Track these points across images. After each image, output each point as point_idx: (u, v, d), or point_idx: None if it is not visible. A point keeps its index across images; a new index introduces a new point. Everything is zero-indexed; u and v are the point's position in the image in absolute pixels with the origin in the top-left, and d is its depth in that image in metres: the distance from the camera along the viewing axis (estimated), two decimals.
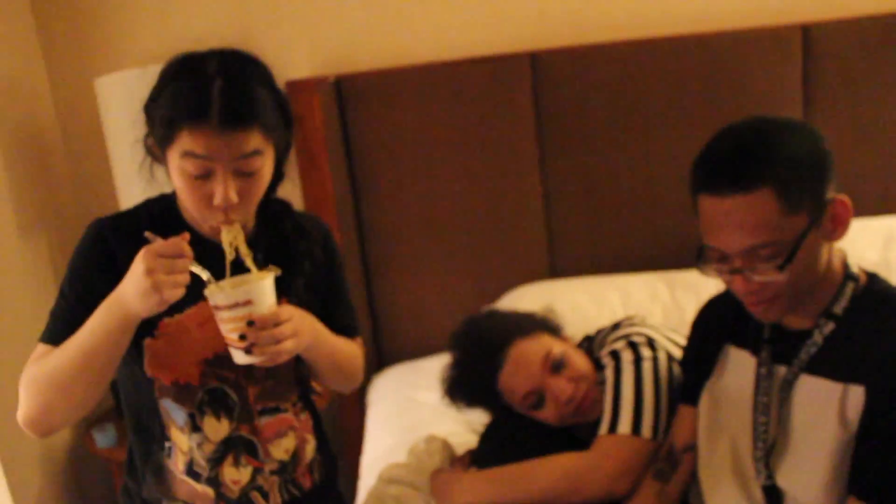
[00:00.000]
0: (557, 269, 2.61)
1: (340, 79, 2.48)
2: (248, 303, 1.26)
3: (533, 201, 2.57)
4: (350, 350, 1.58)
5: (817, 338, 1.33)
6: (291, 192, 2.39)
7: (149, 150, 1.40)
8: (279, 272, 1.33)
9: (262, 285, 1.28)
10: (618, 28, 2.52)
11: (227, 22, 2.51)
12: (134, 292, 1.20)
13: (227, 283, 1.31)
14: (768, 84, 2.47)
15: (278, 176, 1.44)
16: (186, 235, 1.23)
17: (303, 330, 1.36)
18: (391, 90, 2.49)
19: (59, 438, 2.46)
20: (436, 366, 1.88)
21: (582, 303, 2.35)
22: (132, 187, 2.27)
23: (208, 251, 1.37)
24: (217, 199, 1.28)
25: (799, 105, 2.51)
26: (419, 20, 2.55)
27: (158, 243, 1.21)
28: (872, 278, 1.37)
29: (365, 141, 2.51)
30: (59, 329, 1.35)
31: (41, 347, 1.36)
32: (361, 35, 2.55)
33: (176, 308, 1.37)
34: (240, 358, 1.30)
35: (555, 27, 2.53)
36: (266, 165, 1.33)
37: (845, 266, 1.35)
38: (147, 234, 1.24)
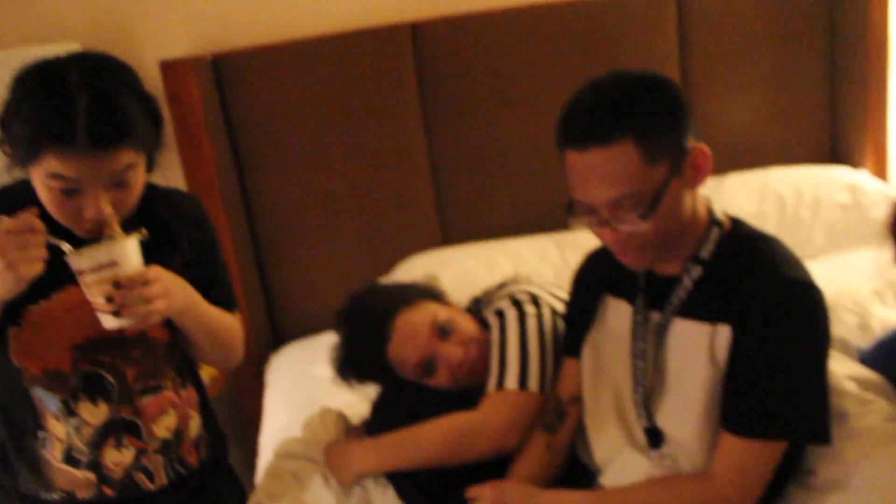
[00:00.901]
0: (449, 236, 2.63)
1: (217, 57, 2.42)
2: (112, 264, 1.23)
3: (421, 171, 2.57)
4: (227, 321, 1.55)
5: (686, 282, 1.38)
6: (173, 174, 2.35)
7: (9, 157, 1.31)
8: (144, 235, 1.28)
9: (125, 245, 1.25)
10: None
11: (99, 1, 2.40)
12: None
13: (89, 247, 1.26)
14: (645, 46, 2.54)
15: (149, 167, 1.37)
16: (35, 210, 1.18)
17: (174, 291, 1.33)
18: (271, 66, 2.45)
19: None
20: (332, 340, 1.87)
21: (474, 268, 2.37)
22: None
23: (77, 240, 1.31)
24: (89, 214, 1.24)
25: (676, 66, 2.59)
26: None
27: (5, 221, 1.16)
28: (736, 223, 1.41)
29: (247, 119, 2.47)
30: None
31: None
32: (239, 11, 2.49)
33: (42, 294, 1.35)
34: (108, 322, 1.26)
35: None
36: (139, 173, 1.29)
37: (710, 212, 1.40)
38: None
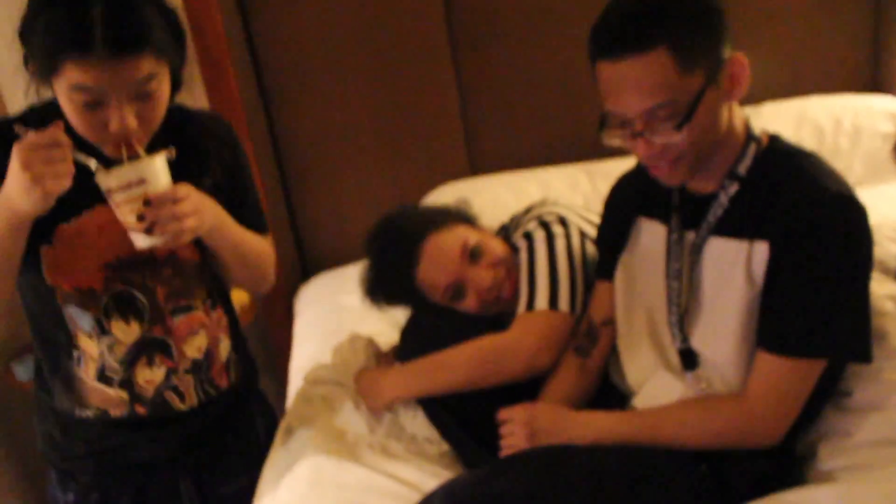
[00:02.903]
0: (477, 166, 2.60)
1: None
2: (141, 181, 1.22)
3: (449, 100, 2.53)
4: (258, 243, 1.55)
5: (723, 199, 1.34)
6: (199, 105, 2.32)
7: (33, 75, 1.29)
8: (172, 154, 1.27)
9: (154, 162, 1.24)
10: None
11: None
12: (17, 191, 1.16)
13: (118, 166, 1.25)
14: None
15: (175, 85, 1.35)
16: (60, 124, 1.16)
17: (204, 210, 1.32)
18: None
19: None
20: (359, 271, 1.87)
21: (503, 197, 2.35)
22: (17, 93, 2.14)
23: (99, 161, 1.30)
24: (113, 126, 1.22)
25: None
26: None
27: (31, 135, 1.14)
28: (774, 139, 1.38)
29: (272, 47, 2.43)
30: None
31: None
32: None
33: (72, 212, 1.35)
34: (140, 241, 1.26)
35: None
36: (163, 86, 1.26)
37: (747, 128, 1.36)
38: (17, 127, 1.17)
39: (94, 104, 1.21)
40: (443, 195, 2.41)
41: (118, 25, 1.17)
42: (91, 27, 1.15)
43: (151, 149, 1.34)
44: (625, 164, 2.25)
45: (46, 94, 1.30)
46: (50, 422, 1.52)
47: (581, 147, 2.49)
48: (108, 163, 1.25)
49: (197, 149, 1.44)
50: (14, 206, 1.18)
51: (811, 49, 2.63)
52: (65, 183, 1.16)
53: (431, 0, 2.43)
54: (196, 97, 2.34)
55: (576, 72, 2.45)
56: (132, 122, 1.22)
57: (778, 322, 1.27)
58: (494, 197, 2.33)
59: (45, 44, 1.18)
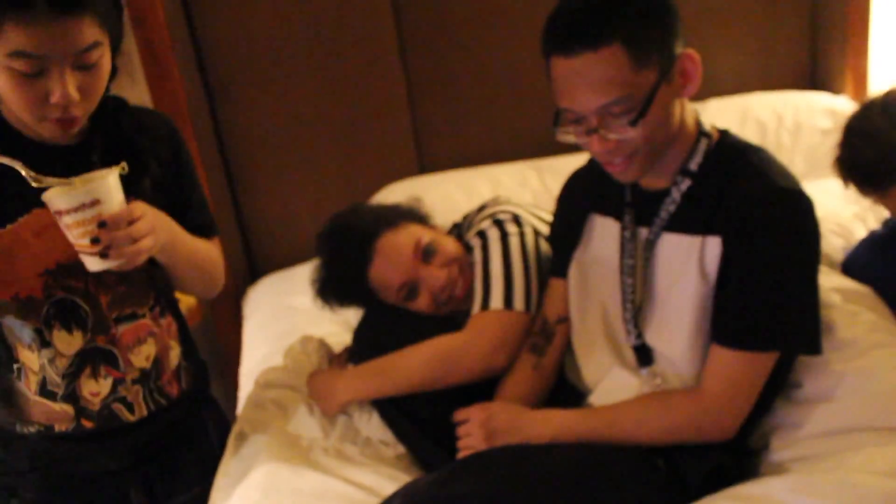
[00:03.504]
0: (426, 164, 2.59)
1: None
2: (95, 202, 1.16)
3: (397, 97, 2.52)
4: (208, 250, 1.51)
5: (675, 195, 1.36)
6: (140, 101, 2.27)
7: None
8: (124, 169, 1.22)
9: (108, 182, 1.18)
10: None
11: None
12: None
13: (64, 185, 1.19)
14: None
15: (113, 70, 1.31)
16: None
17: (159, 227, 1.29)
18: None
19: None
20: (309, 272, 1.84)
21: (452, 194, 2.35)
22: None
23: (39, 154, 1.28)
24: (55, 97, 1.16)
25: None
26: None
27: None
28: (724, 134, 1.39)
29: (217, 41, 2.38)
30: None
31: None
32: None
33: (7, 218, 1.29)
34: (94, 265, 1.20)
35: None
36: (105, 57, 1.22)
37: (698, 124, 1.37)
38: None
39: (34, 74, 1.15)
40: (392, 193, 2.39)
41: None
42: None
43: (87, 142, 1.32)
44: (573, 161, 2.27)
45: None
46: None
47: (530, 144, 2.50)
48: (36, 167, 1.19)
49: (133, 145, 1.38)
50: None
51: (754, 47, 2.68)
52: None
53: None
54: (138, 92, 2.30)
55: (524, 69, 2.48)
56: (74, 92, 1.17)
57: (731, 316, 1.29)
58: (444, 194, 2.33)
59: None
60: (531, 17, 2.40)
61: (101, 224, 1.17)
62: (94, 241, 1.17)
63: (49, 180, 1.18)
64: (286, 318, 2.19)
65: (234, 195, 2.55)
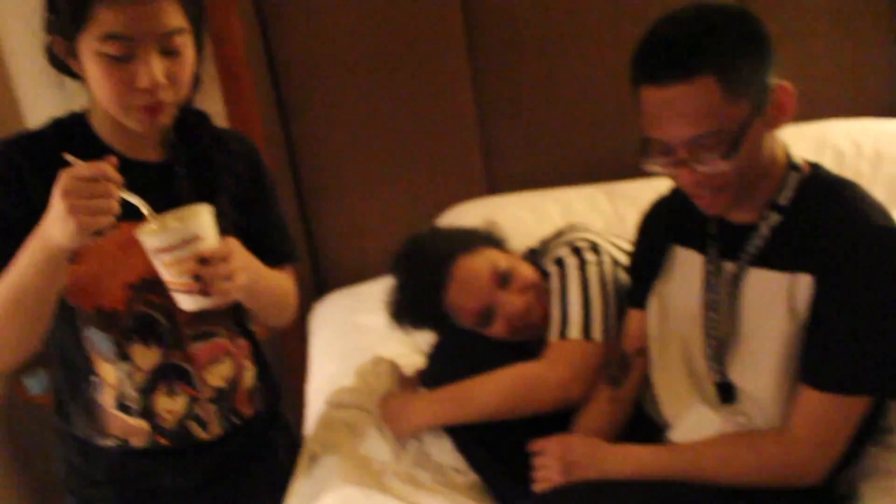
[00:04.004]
0: (495, 185, 2.58)
1: None
2: (195, 238, 1.17)
3: (467, 116, 2.51)
4: (283, 284, 1.52)
5: (763, 230, 1.32)
6: (215, 117, 2.30)
7: (53, 59, 1.29)
8: (210, 207, 1.23)
9: (206, 217, 1.19)
10: None
11: None
12: (52, 220, 1.12)
13: (162, 221, 1.20)
14: None
15: (194, 84, 1.34)
16: (113, 159, 1.13)
17: (249, 264, 1.30)
18: (316, 6, 2.38)
19: None
20: (376, 290, 1.84)
21: (522, 216, 2.32)
22: (37, 110, 2.13)
23: (128, 171, 1.26)
24: (142, 81, 1.20)
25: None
26: None
27: (78, 165, 1.11)
28: (815, 168, 1.36)
29: (290, 60, 2.41)
30: None
31: None
32: None
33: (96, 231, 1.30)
34: (189, 303, 1.21)
35: None
36: (189, 48, 1.26)
37: (788, 157, 1.34)
38: (66, 155, 1.13)
39: (123, 57, 1.20)
40: (461, 214, 2.39)
41: None
42: None
43: (172, 158, 1.36)
44: (646, 186, 2.25)
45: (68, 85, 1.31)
46: (69, 447, 1.48)
47: (601, 167, 2.48)
48: (125, 182, 1.20)
49: (211, 162, 1.41)
50: (50, 237, 1.14)
51: (831, 72, 2.62)
52: (102, 220, 1.12)
53: (452, 16, 2.42)
54: (214, 108, 2.32)
55: (597, 91, 2.46)
56: (160, 76, 1.21)
57: (822, 357, 1.25)
58: (514, 216, 2.31)
59: None
60: (605, 39, 2.44)
61: (202, 260, 1.18)
62: (196, 278, 1.18)
63: (152, 224, 1.20)
64: (353, 336, 2.19)
65: (303, 211, 2.56)
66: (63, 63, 1.29)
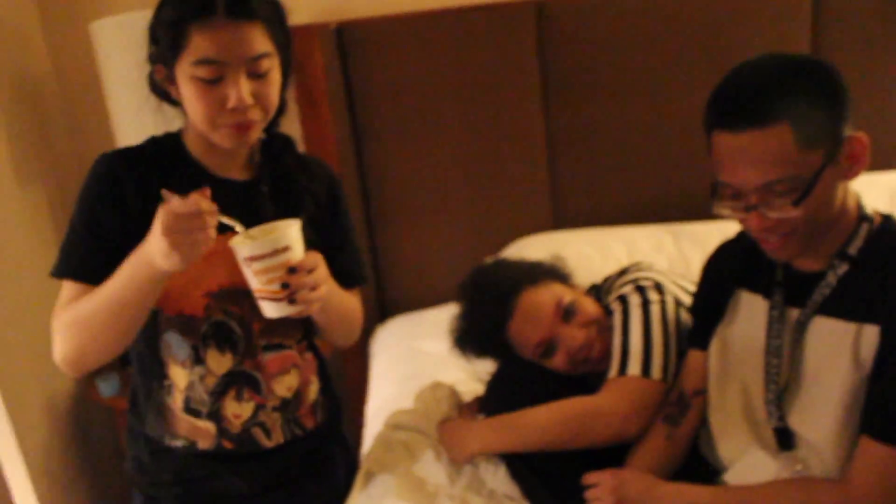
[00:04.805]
0: (561, 220, 2.59)
1: (342, 25, 2.42)
2: (286, 249, 1.24)
3: (537, 151, 2.53)
4: (352, 304, 1.58)
5: (831, 279, 1.32)
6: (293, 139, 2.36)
7: (154, 87, 1.40)
8: (299, 222, 1.31)
9: (296, 230, 1.27)
10: None
11: None
12: (156, 252, 1.20)
13: (252, 233, 1.28)
14: (776, 36, 2.43)
15: (281, 108, 1.44)
16: (207, 190, 1.21)
17: (329, 276, 1.37)
18: (393, 38, 2.44)
19: (63, 387, 2.45)
20: (438, 316, 1.87)
21: (587, 253, 2.33)
22: (130, 134, 2.24)
23: (216, 188, 1.36)
24: (231, 101, 1.29)
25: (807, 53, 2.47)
26: None
27: (175, 202, 1.18)
28: (887, 220, 1.35)
29: (367, 89, 2.47)
30: (74, 263, 1.36)
31: (67, 286, 1.37)
32: None
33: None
34: (276, 310, 1.28)
35: None
36: (275, 70, 1.35)
37: (860, 207, 1.34)
38: (163, 192, 1.21)
39: (214, 80, 1.29)
40: (526, 246, 2.41)
41: None
42: None
43: (258, 178, 1.45)
44: (711, 228, 2.25)
45: (166, 111, 1.43)
46: (140, 446, 1.54)
47: (667, 207, 2.48)
48: (214, 198, 1.28)
49: (293, 182, 1.48)
50: (154, 263, 1.22)
51: None
52: (202, 250, 1.20)
53: (526, 53, 2.45)
54: (292, 132, 2.39)
55: (666, 132, 2.46)
56: (248, 96, 1.30)
57: (886, 409, 1.24)
58: (578, 252, 2.32)
59: (172, 20, 1.29)
60: (675, 83, 2.44)
61: (291, 270, 1.25)
62: (284, 286, 1.25)
63: (247, 233, 1.27)
64: (413, 360, 2.22)
65: (371, 235, 2.61)
66: (162, 90, 1.39)
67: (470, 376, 2.04)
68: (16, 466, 2.17)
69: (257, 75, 1.31)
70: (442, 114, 2.50)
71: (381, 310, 2.68)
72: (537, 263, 1.80)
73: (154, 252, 1.21)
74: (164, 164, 1.41)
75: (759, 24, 2.44)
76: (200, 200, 1.18)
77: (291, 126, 2.39)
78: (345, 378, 2.59)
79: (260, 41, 1.31)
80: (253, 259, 1.24)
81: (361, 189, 2.56)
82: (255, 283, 1.26)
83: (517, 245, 2.46)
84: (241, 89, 1.29)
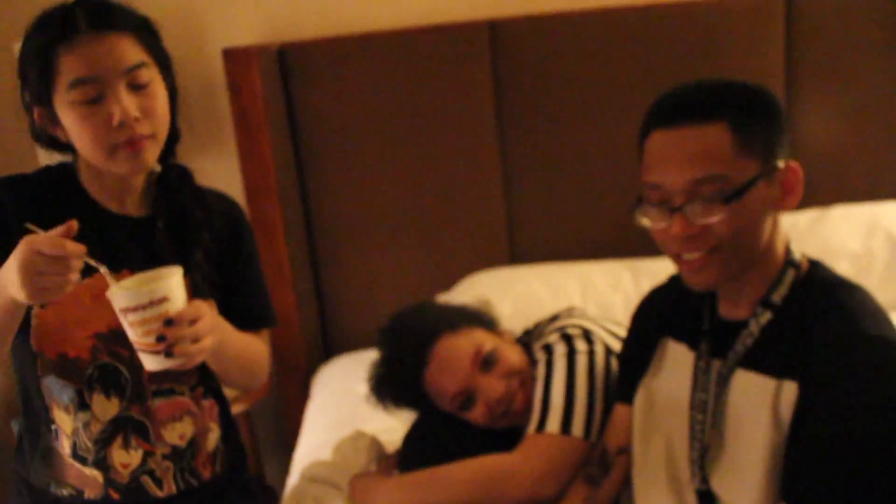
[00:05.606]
0: (518, 253, 2.51)
1: (284, 48, 2.36)
2: (162, 300, 1.19)
3: (492, 181, 2.46)
4: (255, 349, 1.51)
5: (753, 328, 1.24)
6: (229, 170, 2.31)
7: (38, 135, 1.36)
8: (181, 270, 1.25)
9: (175, 280, 1.22)
10: None
11: None
12: (9, 279, 1.14)
13: (131, 281, 1.23)
14: (747, 58, 2.36)
15: (174, 135, 1.40)
16: (73, 225, 1.14)
17: (218, 327, 1.32)
18: (340, 60, 2.38)
19: None
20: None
21: (538, 292, 2.25)
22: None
23: (110, 224, 1.35)
24: (116, 116, 1.25)
25: (781, 82, 2.39)
26: None
27: (40, 240, 1.12)
28: (815, 266, 1.28)
29: (312, 115, 2.40)
30: None
31: None
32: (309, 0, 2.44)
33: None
34: (154, 363, 1.22)
35: None
36: (157, 83, 1.31)
37: (788, 251, 1.26)
38: (28, 224, 1.17)
39: (93, 100, 1.25)
40: (477, 283, 2.33)
41: (98, 8, 1.27)
42: (74, 16, 1.25)
43: (153, 214, 1.40)
44: (670, 265, 2.12)
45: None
46: (22, 496, 1.47)
47: (627, 242, 2.36)
48: (110, 236, 1.28)
49: (188, 217, 1.43)
50: (9, 291, 1.16)
51: (888, 148, 2.47)
52: (54, 294, 1.15)
53: (480, 75, 2.39)
54: (228, 159, 2.38)
55: (626, 164, 2.33)
56: (133, 109, 1.25)
57: (801, 475, 1.14)
58: (529, 291, 2.25)
59: (36, 49, 1.26)
60: (635, 107, 2.32)
61: (168, 322, 1.19)
62: (160, 338, 1.19)
63: (123, 282, 1.22)
64: (349, 404, 2.12)
65: (315, 270, 2.53)
66: (46, 135, 1.35)
67: (404, 424, 1.93)
68: None
69: (137, 87, 1.28)
70: (391, 141, 2.43)
71: (325, 349, 2.59)
72: (460, 308, 1.71)
73: (8, 281, 1.15)
74: (56, 197, 1.36)
75: (727, 46, 2.36)
76: (66, 243, 1.11)
77: (227, 154, 2.32)
78: (283, 420, 2.49)
79: (132, 51, 1.28)
80: (128, 310, 1.18)
81: (305, 221, 2.48)
82: (132, 334, 1.21)
83: (469, 281, 2.37)
84: (123, 102, 1.25)
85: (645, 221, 1.25)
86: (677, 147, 1.19)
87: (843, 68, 2.40)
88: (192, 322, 1.22)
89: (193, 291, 1.33)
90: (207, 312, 1.27)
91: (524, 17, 2.37)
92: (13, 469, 1.50)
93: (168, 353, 1.20)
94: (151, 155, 1.31)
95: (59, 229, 1.13)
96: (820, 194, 2.35)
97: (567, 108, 2.40)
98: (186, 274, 1.33)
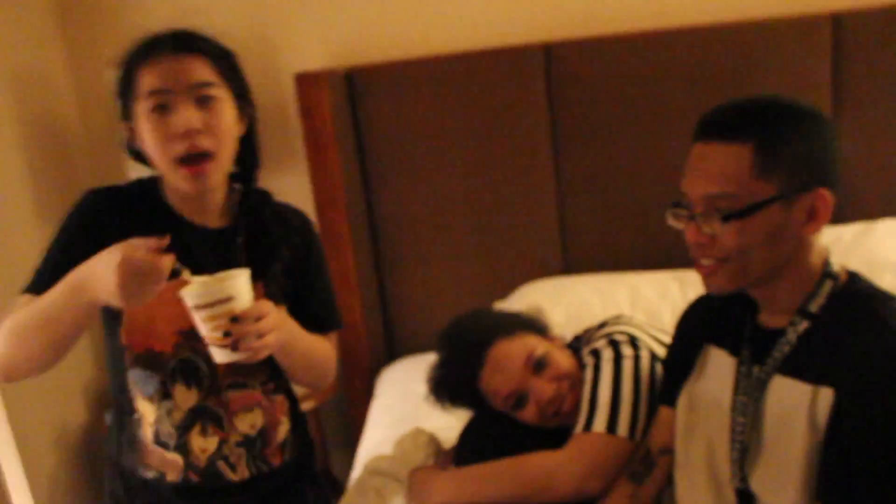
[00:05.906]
0: (570, 264, 2.57)
1: (351, 71, 2.47)
2: (229, 299, 1.28)
3: (546, 195, 2.53)
4: (322, 348, 1.60)
5: (791, 336, 1.28)
6: (300, 185, 2.42)
7: (131, 150, 1.47)
8: (248, 272, 1.34)
9: (242, 280, 1.30)
10: (635, 18, 2.47)
11: (242, 14, 2.53)
12: (101, 281, 1.21)
13: (201, 282, 1.31)
14: (794, 78, 2.39)
15: (254, 162, 1.53)
16: (166, 240, 1.22)
17: (282, 325, 1.39)
18: (403, 82, 2.48)
19: (74, 418, 2.52)
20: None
21: (590, 301, 2.31)
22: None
23: (190, 235, 1.45)
24: (178, 126, 1.36)
25: (828, 101, 2.41)
26: (431, 11, 2.53)
27: (141, 250, 1.20)
28: (853, 277, 1.31)
29: (377, 134, 2.51)
30: (38, 282, 1.40)
31: (22, 298, 1.40)
32: (374, 26, 2.55)
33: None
34: (222, 356, 1.31)
35: (570, 17, 2.49)
36: (224, 102, 1.41)
37: (826, 263, 1.30)
38: (135, 239, 1.23)
39: (161, 106, 1.37)
40: (532, 291, 2.40)
41: (181, 35, 1.42)
42: (161, 40, 1.40)
43: (233, 227, 1.51)
44: None
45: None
46: (116, 480, 1.58)
47: (675, 254, 2.41)
48: (191, 246, 1.37)
49: (268, 233, 1.53)
50: (92, 288, 1.24)
51: None
52: (145, 300, 1.22)
53: (535, 96, 2.46)
54: (299, 175, 2.47)
55: (674, 179, 2.40)
56: (195, 120, 1.36)
57: (837, 479, 1.19)
58: (581, 300, 2.31)
59: (126, 69, 1.40)
60: (685, 126, 2.37)
61: (233, 319, 1.28)
62: (226, 334, 1.28)
63: (196, 279, 1.30)
64: (411, 402, 2.21)
65: (380, 277, 2.63)
66: (135, 150, 1.46)
67: (460, 422, 2.02)
68: (23, 497, 2.23)
69: (204, 102, 1.38)
70: (451, 157, 2.52)
71: (389, 351, 2.69)
72: (514, 314, 1.80)
73: (98, 283, 1.21)
74: (143, 208, 1.47)
75: (774, 63, 2.39)
76: (157, 258, 1.19)
77: (299, 170, 2.44)
78: (348, 418, 2.60)
79: (202, 70, 1.39)
80: (198, 308, 1.28)
81: (370, 232, 2.59)
82: (202, 329, 1.31)
83: (524, 290, 2.44)
84: (186, 113, 1.36)
85: (671, 221, 1.34)
86: (703, 161, 1.26)
87: (890, 82, 2.40)
88: (257, 319, 1.30)
89: (268, 299, 1.40)
90: (272, 311, 1.34)
91: (577, 40, 2.44)
92: (108, 455, 1.61)
93: (234, 348, 1.29)
94: (212, 177, 1.41)
95: (154, 241, 1.21)
96: (866, 208, 2.39)
97: (618, 126, 2.46)
98: (262, 282, 1.44)
